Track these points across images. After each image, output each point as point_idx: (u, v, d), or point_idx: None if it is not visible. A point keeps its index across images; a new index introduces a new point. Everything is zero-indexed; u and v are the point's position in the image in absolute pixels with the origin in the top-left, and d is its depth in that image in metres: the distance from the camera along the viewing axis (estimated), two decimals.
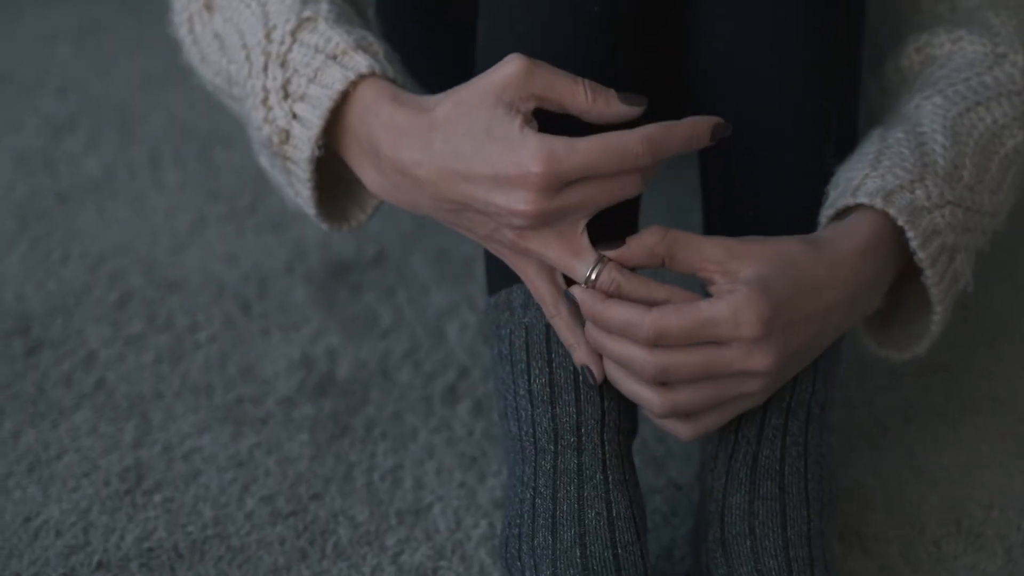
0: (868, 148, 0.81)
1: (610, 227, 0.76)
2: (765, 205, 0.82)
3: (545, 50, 0.77)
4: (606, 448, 0.79)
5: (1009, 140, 0.84)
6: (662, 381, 0.74)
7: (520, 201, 0.72)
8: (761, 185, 0.83)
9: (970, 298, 1.02)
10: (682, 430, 0.76)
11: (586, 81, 0.73)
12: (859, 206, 0.78)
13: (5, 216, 1.17)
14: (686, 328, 0.72)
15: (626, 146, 0.72)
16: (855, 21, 0.83)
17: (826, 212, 0.80)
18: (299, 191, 0.82)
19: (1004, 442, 0.97)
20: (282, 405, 0.98)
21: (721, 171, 0.84)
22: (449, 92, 0.76)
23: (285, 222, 1.17)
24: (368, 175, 0.79)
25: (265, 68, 0.81)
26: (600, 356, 0.77)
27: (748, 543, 0.78)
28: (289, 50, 0.80)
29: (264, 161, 0.85)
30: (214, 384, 1.00)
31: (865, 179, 0.78)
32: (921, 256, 0.77)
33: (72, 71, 1.38)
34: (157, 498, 0.90)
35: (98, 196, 1.20)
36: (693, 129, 0.74)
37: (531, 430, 0.80)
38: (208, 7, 0.86)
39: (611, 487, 0.79)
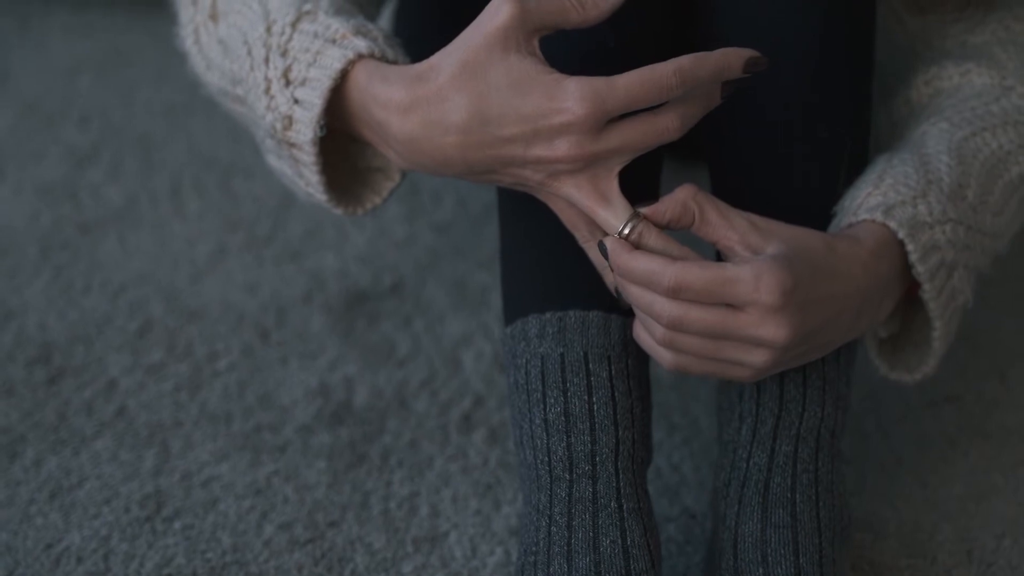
0: (873, 170, 0.82)
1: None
2: None
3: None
4: (620, 477, 0.80)
5: (1014, 167, 0.85)
6: (675, 329, 0.74)
7: (564, 147, 0.72)
8: (773, 211, 0.83)
9: (979, 329, 1.03)
10: (666, 357, 0.76)
11: None
12: (862, 221, 0.79)
13: (28, 245, 1.18)
14: (707, 282, 0.72)
15: (660, 77, 0.72)
16: (864, 54, 0.84)
17: (831, 231, 0.81)
18: (308, 179, 0.81)
19: (1016, 472, 0.97)
20: (300, 433, 0.99)
21: (734, 203, 0.85)
22: (443, 54, 0.75)
23: (304, 252, 1.18)
24: (388, 153, 0.79)
25: (267, 60, 0.81)
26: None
27: (760, 571, 0.78)
28: (289, 40, 0.80)
29: (273, 160, 0.85)
30: (233, 412, 1.01)
31: (868, 197, 0.80)
32: (920, 269, 0.78)
33: (95, 101, 1.39)
34: (176, 525, 0.91)
35: (120, 226, 1.21)
36: (724, 59, 0.74)
37: (546, 458, 0.80)
38: (213, 16, 0.87)
39: (626, 515, 0.79)
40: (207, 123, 1.35)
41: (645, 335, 0.77)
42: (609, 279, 0.79)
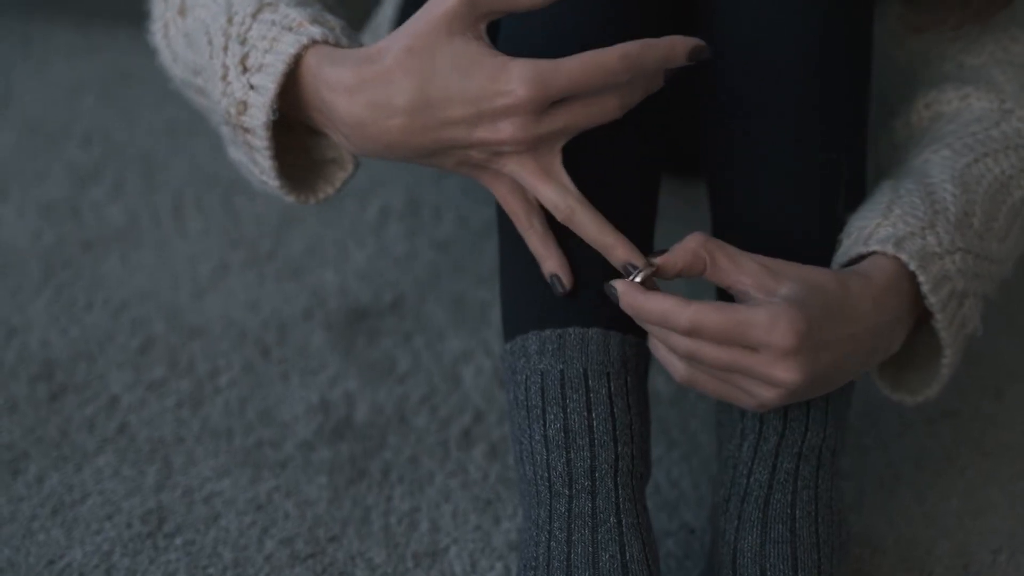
0: (880, 198, 0.83)
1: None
2: (777, 256, 0.83)
3: None
4: (620, 492, 0.80)
5: (1016, 191, 0.85)
6: (691, 336, 0.75)
7: (509, 129, 0.73)
8: (772, 233, 0.84)
9: (976, 346, 1.03)
10: (680, 369, 0.77)
11: None
12: (872, 253, 0.79)
13: (31, 263, 1.19)
14: (722, 325, 0.73)
15: (606, 62, 0.73)
16: (861, 76, 0.85)
17: (839, 260, 0.81)
18: (261, 165, 0.82)
19: (1013, 487, 0.98)
20: (301, 449, 1.00)
21: (734, 227, 0.85)
22: (391, 38, 0.75)
23: (304, 269, 1.19)
24: (337, 138, 0.80)
25: (225, 48, 0.81)
26: (569, 266, 0.79)
27: None
28: (249, 29, 0.81)
29: (232, 152, 0.85)
30: (234, 428, 1.02)
31: (877, 227, 0.80)
32: (932, 300, 0.78)
33: (97, 121, 1.40)
34: (178, 541, 0.92)
35: (122, 243, 1.22)
36: (670, 48, 0.74)
37: (546, 474, 0.81)
38: (181, 11, 0.87)
39: (625, 530, 0.80)
40: (209, 142, 1.35)
41: (661, 347, 0.78)
42: (547, 267, 0.79)
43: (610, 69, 0.73)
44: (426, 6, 0.74)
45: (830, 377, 0.77)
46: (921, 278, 0.78)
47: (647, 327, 0.77)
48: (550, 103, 0.74)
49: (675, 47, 0.75)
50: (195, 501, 0.95)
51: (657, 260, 0.77)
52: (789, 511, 0.80)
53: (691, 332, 0.74)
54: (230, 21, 0.82)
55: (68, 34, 1.54)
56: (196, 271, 1.19)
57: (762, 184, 0.84)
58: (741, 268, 0.76)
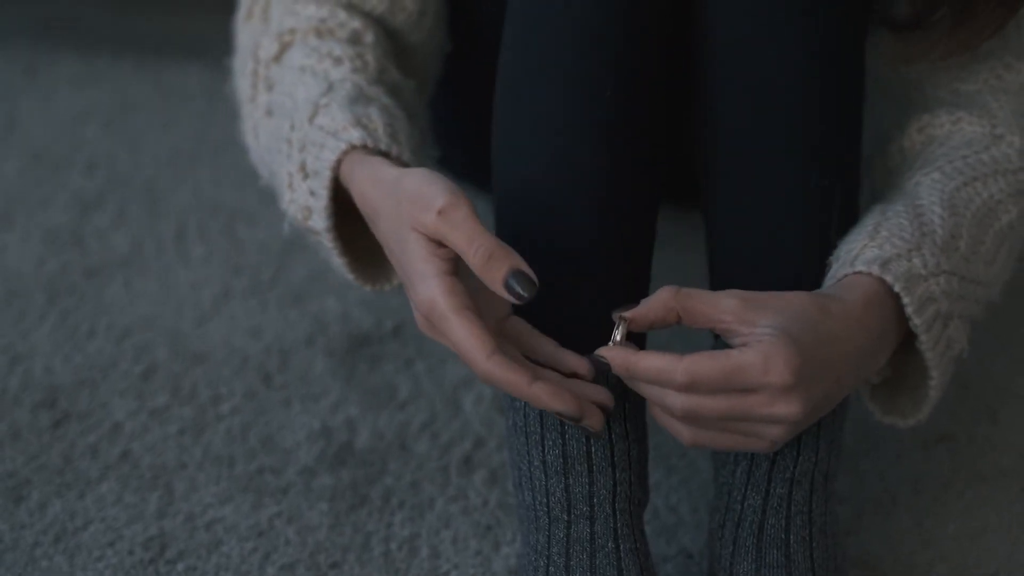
0: (868, 221, 0.83)
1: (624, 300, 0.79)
2: (773, 283, 0.84)
3: (563, 133, 0.81)
4: (618, 517, 0.81)
5: (1004, 215, 0.86)
6: (689, 419, 0.75)
7: (415, 307, 0.77)
8: (767, 260, 0.85)
9: (971, 370, 1.04)
10: (685, 433, 0.77)
11: (487, 241, 0.74)
12: (857, 274, 0.80)
13: (35, 291, 1.20)
14: (717, 373, 0.73)
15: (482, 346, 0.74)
16: (854, 103, 0.86)
17: (827, 283, 0.82)
18: (333, 262, 0.87)
19: (1009, 511, 0.98)
20: (302, 475, 1.00)
21: (729, 253, 0.86)
22: (394, 186, 0.78)
23: (306, 296, 1.19)
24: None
25: (289, 155, 0.85)
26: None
27: None
28: (305, 136, 0.84)
29: (310, 239, 0.89)
30: (236, 455, 1.02)
31: (864, 249, 0.80)
32: (916, 322, 0.79)
33: (101, 149, 1.41)
34: (180, 567, 0.92)
35: (125, 271, 1.23)
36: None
37: (545, 500, 0.81)
38: (269, 113, 0.91)
39: (623, 555, 0.80)
40: (212, 170, 1.36)
41: (662, 413, 0.78)
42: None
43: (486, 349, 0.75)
44: (419, 196, 0.76)
45: (830, 398, 0.77)
46: (906, 300, 0.78)
47: (642, 390, 0.77)
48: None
49: (499, 267, 0.75)
50: (197, 527, 0.95)
51: (628, 314, 0.77)
52: (783, 536, 0.81)
53: (689, 386, 0.74)
54: (292, 127, 0.86)
55: (73, 63, 1.55)
56: (199, 298, 1.19)
57: (756, 210, 0.84)
58: (718, 307, 0.76)
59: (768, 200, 0.84)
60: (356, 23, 0.91)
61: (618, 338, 0.77)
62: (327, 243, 0.85)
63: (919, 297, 0.79)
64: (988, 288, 0.85)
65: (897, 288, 0.78)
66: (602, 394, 0.79)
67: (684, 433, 0.77)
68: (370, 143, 0.81)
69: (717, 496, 0.85)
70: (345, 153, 0.81)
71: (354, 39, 0.91)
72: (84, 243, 1.26)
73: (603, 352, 0.77)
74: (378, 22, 0.94)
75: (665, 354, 0.75)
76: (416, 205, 0.76)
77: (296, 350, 1.13)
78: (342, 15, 0.91)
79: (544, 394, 0.75)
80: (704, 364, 0.73)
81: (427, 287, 0.75)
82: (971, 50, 0.86)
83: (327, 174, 0.82)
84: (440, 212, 0.75)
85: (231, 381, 1.09)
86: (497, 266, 0.74)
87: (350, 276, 0.87)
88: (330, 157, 0.81)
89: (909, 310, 0.78)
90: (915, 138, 0.91)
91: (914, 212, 0.83)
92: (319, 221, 0.84)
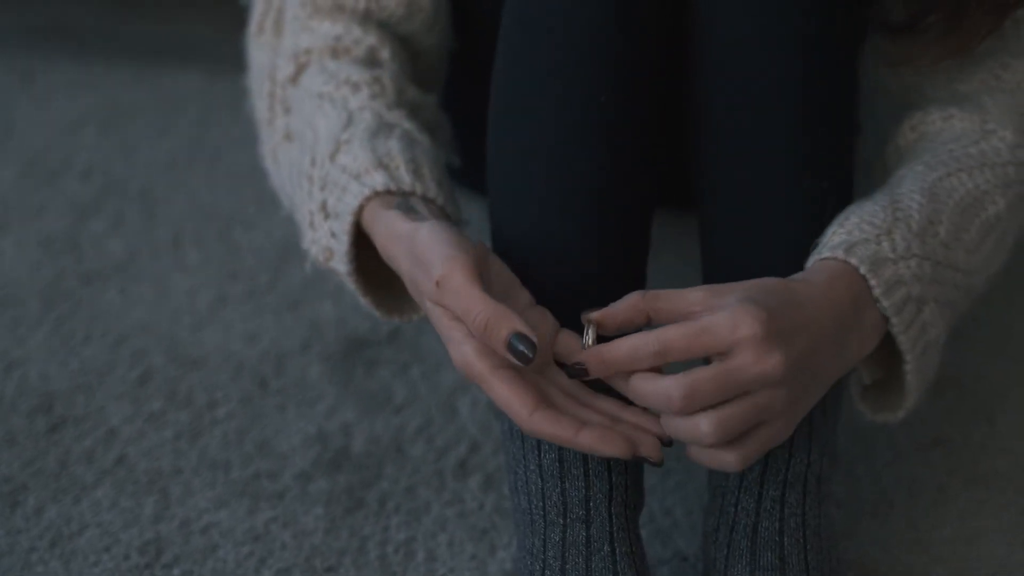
0: (846, 212, 0.84)
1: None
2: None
3: (557, 141, 0.81)
4: (614, 521, 0.81)
5: (991, 206, 0.86)
6: (692, 407, 0.74)
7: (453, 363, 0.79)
8: (760, 261, 0.85)
9: (966, 373, 1.04)
10: (730, 458, 0.76)
11: (485, 308, 0.75)
12: (823, 259, 0.80)
13: (31, 297, 1.20)
14: (687, 336, 0.73)
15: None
16: (847, 107, 0.86)
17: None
18: (358, 299, 0.87)
19: (1005, 514, 0.98)
20: (298, 480, 1.00)
21: (723, 257, 0.86)
22: (409, 245, 0.79)
23: (302, 301, 1.20)
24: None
25: (310, 193, 0.85)
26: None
27: None
28: (327, 173, 0.84)
29: (334, 278, 0.90)
30: (231, 460, 1.02)
31: (833, 235, 0.81)
32: (885, 304, 0.79)
33: (97, 155, 1.41)
34: (176, 572, 0.92)
35: (121, 277, 1.23)
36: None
37: (541, 503, 0.82)
38: (288, 137, 0.91)
39: (618, 559, 0.80)
40: (208, 176, 1.36)
41: (698, 451, 0.77)
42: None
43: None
44: (433, 255, 0.77)
45: (812, 365, 0.76)
46: (872, 282, 0.78)
47: (642, 402, 0.76)
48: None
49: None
50: (193, 532, 0.95)
51: (596, 315, 0.77)
52: (777, 539, 0.81)
53: (662, 353, 0.74)
54: (313, 162, 0.86)
55: (69, 69, 1.55)
56: (195, 304, 1.19)
57: (750, 212, 0.84)
58: (686, 300, 0.76)
59: (761, 202, 0.84)
60: (372, 39, 0.91)
61: (589, 341, 0.77)
62: (349, 285, 0.85)
63: (887, 280, 0.79)
64: (969, 276, 0.85)
65: (863, 270, 0.78)
66: (653, 424, 0.78)
67: (729, 458, 0.76)
68: (393, 187, 0.81)
69: (711, 499, 0.85)
70: (368, 199, 0.81)
71: (370, 58, 0.91)
72: (80, 249, 1.26)
73: (577, 358, 0.77)
74: (393, 31, 0.94)
75: (635, 333, 0.75)
76: (425, 273, 0.77)
77: (292, 355, 1.13)
78: (357, 31, 0.91)
79: (593, 441, 0.75)
80: (672, 330, 0.74)
81: (459, 352, 0.76)
82: (965, 53, 0.86)
83: (349, 219, 0.82)
84: (438, 283, 0.76)
85: (227, 386, 1.10)
86: (497, 331, 0.74)
87: (375, 313, 0.87)
88: (352, 203, 0.82)
89: (876, 292, 0.78)
90: (908, 136, 0.92)
91: (891, 200, 0.83)
92: (341, 264, 0.84)
